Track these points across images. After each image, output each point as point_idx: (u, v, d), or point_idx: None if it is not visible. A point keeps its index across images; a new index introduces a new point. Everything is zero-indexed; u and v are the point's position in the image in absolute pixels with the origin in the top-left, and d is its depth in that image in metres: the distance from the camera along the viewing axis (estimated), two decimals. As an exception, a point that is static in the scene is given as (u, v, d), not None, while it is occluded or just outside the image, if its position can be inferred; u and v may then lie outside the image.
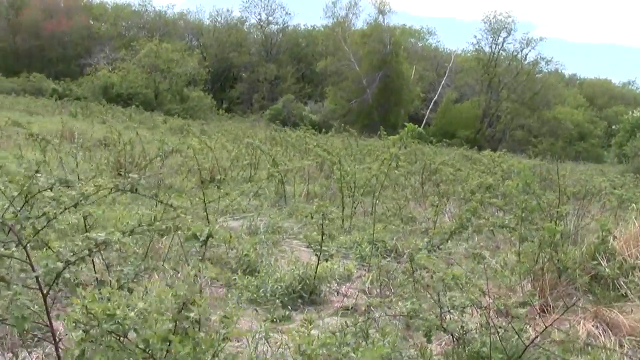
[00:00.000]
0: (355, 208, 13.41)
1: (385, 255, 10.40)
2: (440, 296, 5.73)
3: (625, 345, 7.49)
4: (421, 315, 5.53)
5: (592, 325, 7.85)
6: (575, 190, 12.34)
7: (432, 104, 74.15)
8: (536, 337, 5.76)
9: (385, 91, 67.36)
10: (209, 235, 5.75)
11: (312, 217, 8.29)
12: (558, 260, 8.73)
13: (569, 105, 79.02)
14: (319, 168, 20.00)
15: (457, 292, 6.14)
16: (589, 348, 7.31)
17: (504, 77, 74.34)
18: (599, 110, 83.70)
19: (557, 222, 9.69)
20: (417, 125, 9.97)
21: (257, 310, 7.53)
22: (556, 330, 7.85)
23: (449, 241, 11.20)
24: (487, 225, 9.90)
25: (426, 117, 73.12)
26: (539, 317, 8.36)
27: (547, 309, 8.51)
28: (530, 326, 7.90)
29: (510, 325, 5.86)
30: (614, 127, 70.14)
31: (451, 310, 5.78)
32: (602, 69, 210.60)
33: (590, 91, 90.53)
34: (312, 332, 6.21)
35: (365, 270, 9.80)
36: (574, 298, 9.01)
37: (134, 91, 56.73)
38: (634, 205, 12.18)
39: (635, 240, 9.90)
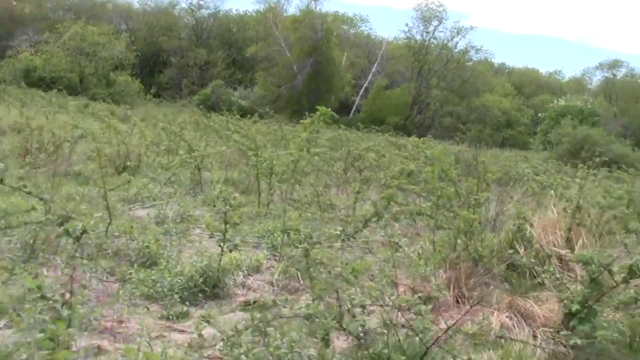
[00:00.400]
0: (271, 195, 13.01)
1: (297, 245, 10.00)
2: (340, 293, 5.34)
3: (539, 337, 7.24)
4: (318, 316, 5.13)
5: (507, 317, 7.59)
6: (497, 176, 12.07)
7: (362, 90, 73.96)
8: (437, 338, 5.39)
9: (315, 77, 66.98)
10: (83, 231, 5.27)
11: (214, 205, 7.85)
12: (474, 249, 8.46)
13: (498, 94, 79.49)
14: (242, 154, 19.56)
15: (358, 288, 5.78)
16: (503, 341, 7.04)
17: (434, 64, 74.50)
18: (527, 98, 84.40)
19: (476, 209, 9.42)
20: (329, 109, 9.57)
21: (147, 308, 7.05)
22: (469, 322, 7.63)
23: (366, 229, 10.91)
24: (403, 213, 9.60)
25: (356, 103, 72.99)
26: (454, 308, 8.09)
27: (462, 300, 8.24)
28: (443, 318, 7.64)
29: (416, 322, 5.50)
30: (539, 115, 70.80)
31: (351, 309, 5.38)
32: (530, 59, 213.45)
33: (518, 80, 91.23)
34: (209, 330, 5.87)
35: (276, 260, 9.43)
36: (491, 288, 8.78)
37: (57, 75, 55.26)
38: (552, 191, 11.99)
39: (553, 228, 9.70)
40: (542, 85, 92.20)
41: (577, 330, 7.04)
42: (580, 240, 9.54)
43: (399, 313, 5.88)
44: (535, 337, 7.28)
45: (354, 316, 5.36)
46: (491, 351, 6.80)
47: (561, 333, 7.09)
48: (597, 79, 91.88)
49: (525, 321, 7.56)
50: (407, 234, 12.16)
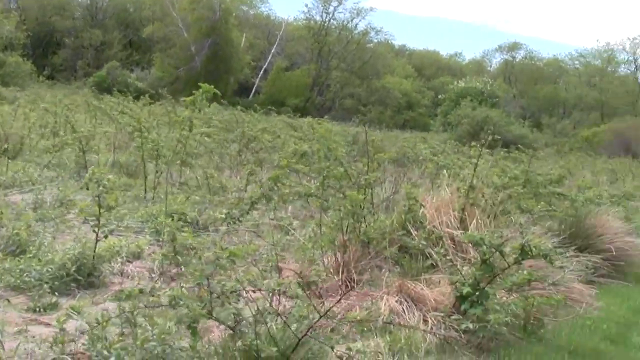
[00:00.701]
0: (158, 178, 12.48)
1: (182, 230, 9.53)
2: (210, 280, 4.91)
3: (430, 322, 6.94)
4: (183, 304, 4.70)
5: (396, 301, 7.27)
6: (388, 156, 11.81)
7: (262, 72, 73.35)
8: (310, 327, 5.01)
9: (214, 59, 66.10)
10: None
11: (87, 188, 7.32)
12: (362, 232, 8.14)
13: (398, 75, 79.87)
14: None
15: (235, 274, 5.37)
16: (392, 327, 6.74)
17: (335, 46, 74.42)
18: (427, 80, 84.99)
19: (366, 190, 9.09)
20: (212, 86, 9.10)
21: (8, 300, 6.50)
22: (357, 307, 7.30)
23: (256, 212, 10.53)
24: (292, 194, 9.25)
25: (256, 85, 72.37)
26: (342, 292, 7.73)
27: (351, 284, 7.90)
28: (329, 304, 7.29)
29: (294, 309, 5.13)
30: (440, 96, 71.39)
31: (221, 296, 4.95)
32: (430, 41, 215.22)
33: (419, 62, 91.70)
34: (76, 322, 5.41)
35: (159, 246, 8.96)
36: (383, 271, 8.47)
37: (-61, 56, 53.14)
38: (445, 171, 11.77)
39: (447, 208, 9.45)
40: (442, 67, 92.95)
41: (469, 314, 6.78)
42: (474, 221, 9.32)
43: (280, 300, 5.52)
44: (426, 321, 6.98)
45: (223, 304, 4.94)
46: (378, 338, 6.49)
47: (452, 317, 6.81)
48: (496, 61, 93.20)
49: (415, 305, 7.26)
50: (299, 217, 11.83)
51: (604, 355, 7.22)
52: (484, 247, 6.73)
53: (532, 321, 7.57)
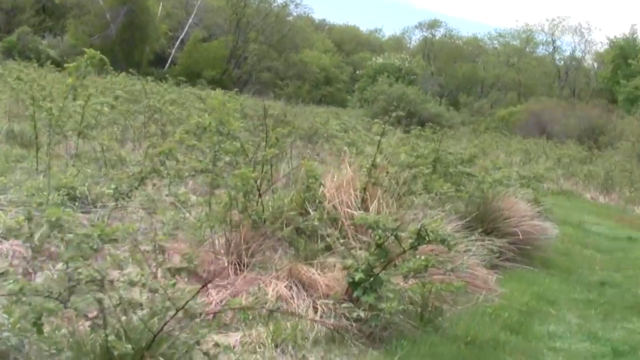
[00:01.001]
0: (52, 149, 11.77)
1: (72, 205, 8.92)
2: (68, 264, 4.38)
3: (320, 309, 6.52)
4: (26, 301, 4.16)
5: (285, 286, 6.81)
6: (288, 130, 11.30)
7: (178, 42, 71.99)
8: (166, 322, 4.50)
9: (129, 27, 64.50)
10: None
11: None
12: (254, 211, 7.65)
13: (317, 50, 79.34)
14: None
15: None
16: (279, 315, 6.29)
17: (253, 18, 73.42)
18: (346, 55, 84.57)
19: (264, 166, 8.62)
20: (98, 52, 8.49)
21: None
22: (244, 293, 6.83)
23: (151, 187, 10.00)
24: (186, 170, 8.70)
25: (172, 56, 71.03)
26: (231, 276, 7.26)
27: (241, 267, 7.42)
28: (215, 289, 6.83)
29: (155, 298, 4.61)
30: (357, 72, 71.15)
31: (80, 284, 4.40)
32: (351, 16, 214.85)
33: (339, 37, 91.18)
34: None
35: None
36: (279, 253, 8.01)
37: None
38: (346, 148, 11.35)
39: (348, 187, 9.02)
40: (362, 43, 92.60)
41: (362, 302, 6.36)
42: (376, 201, 8.90)
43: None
44: (316, 309, 6.54)
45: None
46: (261, 327, 6.03)
47: (344, 305, 6.38)
48: (416, 38, 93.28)
49: (306, 291, 6.83)
50: (201, 193, 11.29)
51: (502, 346, 6.88)
52: (379, 230, 6.32)
53: (429, 309, 7.20)
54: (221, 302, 6.53)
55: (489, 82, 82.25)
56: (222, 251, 7.61)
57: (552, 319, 8.16)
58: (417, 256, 6.62)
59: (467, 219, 10.02)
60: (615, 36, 74.08)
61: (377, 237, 6.39)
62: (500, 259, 10.12)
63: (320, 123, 20.15)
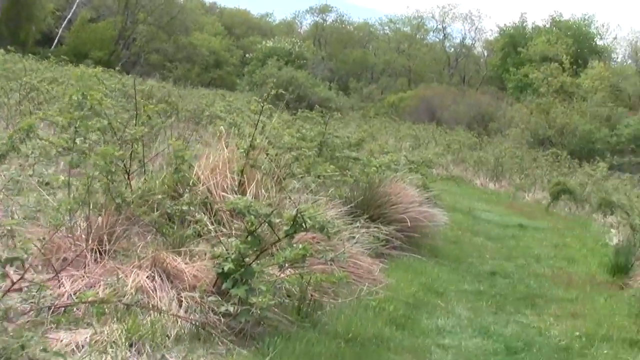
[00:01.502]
0: None
1: None
2: None
3: (184, 303, 5.83)
4: None
5: (148, 277, 6.08)
6: (159, 108, 10.54)
7: (65, 22, 69.81)
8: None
9: (15, 5, 62.11)
10: None
11: None
12: (117, 193, 6.88)
13: (207, 33, 78.14)
14: None
15: None
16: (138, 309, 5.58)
17: (142, -1, 71.77)
18: (237, 39, 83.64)
19: (134, 145, 7.85)
20: None
21: None
22: (102, 284, 6.10)
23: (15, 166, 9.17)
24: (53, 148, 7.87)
25: (59, 35, 68.86)
26: (91, 264, 6.48)
27: (102, 255, 6.64)
28: (70, 280, 6.08)
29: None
30: (247, 55, 70.36)
31: None
32: (242, 0, 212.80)
33: (229, 20, 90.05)
34: None
35: None
36: (148, 239, 7.26)
37: None
38: (222, 127, 10.63)
39: (224, 169, 8.33)
40: (253, 26, 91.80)
41: (232, 295, 5.68)
42: (254, 185, 8.24)
43: None
44: (180, 302, 5.85)
45: None
46: (115, 323, 5.31)
47: (210, 298, 5.70)
48: (307, 23, 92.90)
49: (171, 282, 6.11)
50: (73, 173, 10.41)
51: (387, 343, 6.31)
52: (251, 216, 5.65)
53: (308, 302, 6.57)
54: (75, 294, 5.78)
55: (380, 68, 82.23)
56: (82, 237, 6.82)
57: (441, 312, 7.64)
58: (295, 244, 5.97)
59: (352, 205, 9.44)
60: (505, 24, 75.34)
61: (249, 223, 5.72)
62: (387, 247, 9.58)
63: (206, 104, 19.47)
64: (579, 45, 63.04)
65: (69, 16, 69.85)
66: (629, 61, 65.20)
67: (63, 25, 69.27)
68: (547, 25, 70.20)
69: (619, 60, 68.32)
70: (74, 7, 70.38)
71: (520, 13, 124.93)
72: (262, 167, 8.57)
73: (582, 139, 37.27)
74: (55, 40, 67.25)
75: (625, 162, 28.10)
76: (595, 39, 68.64)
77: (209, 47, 73.20)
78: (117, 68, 26.32)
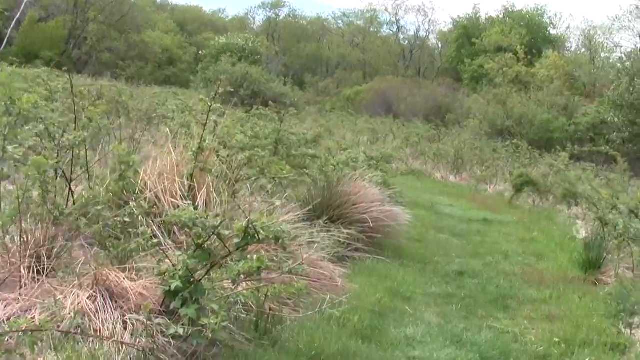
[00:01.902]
0: None
1: None
2: None
3: (129, 327, 5.27)
4: None
5: (89, 297, 5.52)
6: (105, 109, 9.96)
7: (14, 22, 68.55)
8: None
9: (-39, 7, 61.11)
10: None
11: None
12: (53, 204, 6.29)
13: (160, 30, 77.26)
14: None
15: None
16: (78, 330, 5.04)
17: (91, -3, 70.72)
18: (190, 36, 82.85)
19: (74, 151, 7.24)
20: None
21: None
22: (38, 307, 5.52)
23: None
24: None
25: (7, 36, 67.61)
26: (27, 285, 5.90)
27: (40, 273, 6.05)
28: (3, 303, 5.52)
29: None
30: (200, 52, 69.68)
31: None
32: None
33: (181, 17, 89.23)
34: None
35: None
36: (92, 254, 6.68)
37: None
38: (167, 129, 10.06)
39: (173, 173, 7.79)
40: (205, 23, 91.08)
41: (182, 315, 5.14)
42: (205, 189, 7.70)
43: None
44: (125, 325, 5.29)
45: None
46: (52, 354, 4.76)
47: (157, 320, 5.15)
48: (260, 18, 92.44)
49: (115, 302, 5.55)
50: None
51: (352, 359, 5.79)
52: (197, 228, 5.11)
53: (266, 317, 6.05)
54: (8, 319, 5.20)
55: (334, 61, 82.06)
56: (17, 254, 6.22)
57: (409, 320, 7.12)
58: (250, 256, 5.43)
59: (310, 207, 8.93)
60: (458, 16, 75.26)
61: (197, 236, 5.18)
62: (349, 249, 9.13)
63: (157, 103, 18.86)
64: (532, 35, 63.08)
65: (17, 16, 68.60)
66: (583, 50, 65.19)
67: (12, 26, 68.03)
68: (501, 16, 70.15)
69: (572, 49, 68.33)
70: (22, 7, 69.16)
71: (473, 4, 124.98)
72: (213, 170, 8.04)
73: (541, 128, 37.10)
74: (4, 41, 66.08)
75: (586, 151, 27.82)
76: (548, 29, 68.76)
77: (162, 45, 72.37)
78: (64, 68, 25.55)
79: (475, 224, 14.20)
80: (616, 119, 35.63)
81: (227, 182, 8.24)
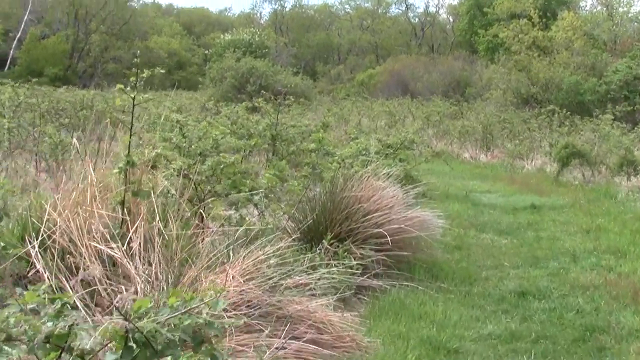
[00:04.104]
0: None
1: None
2: None
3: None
4: None
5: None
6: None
7: (16, 41, 66.86)
8: None
9: (-38, 30, 59.50)
10: None
11: None
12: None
13: (166, 35, 75.84)
14: None
15: None
16: None
17: (92, 8, 68.84)
18: (197, 38, 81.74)
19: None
20: None
21: None
22: None
23: None
24: None
25: (10, 56, 65.95)
26: None
27: None
28: None
29: None
30: (207, 52, 67.69)
31: None
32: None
33: (188, 20, 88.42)
34: None
35: None
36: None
37: None
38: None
39: (92, 204, 5.35)
40: (212, 23, 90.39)
41: None
42: (142, 222, 5.25)
43: None
44: None
45: None
46: None
47: None
48: (266, 12, 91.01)
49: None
50: None
51: None
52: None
53: None
54: None
55: (345, 48, 79.98)
56: None
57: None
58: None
59: (307, 224, 6.47)
60: (467, -14, 72.38)
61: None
62: (366, 275, 6.63)
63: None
64: (545, -2, 60.30)
65: (18, 35, 67.20)
66: (599, 7, 62.24)
67: (14, 46, 66.65)
68: (510, -19, 67.30)
69: (587, 8, 65.32)
70: (22, 26, 67.77)
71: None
72: (158, 190, 5.60)
73: (569, 92, 34.34)
74: (8, 62, 64.72)
75: (624, 111, 25.27)
76: (561, -11, 65.81)
77: (169, 49, 70.69)
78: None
79: (522, 214, 11.56)
80: (650, 72, 32.81)
81: (181, 208, 5.78)
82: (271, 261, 5.32)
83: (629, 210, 11.48)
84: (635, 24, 50.63)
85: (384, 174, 8.16)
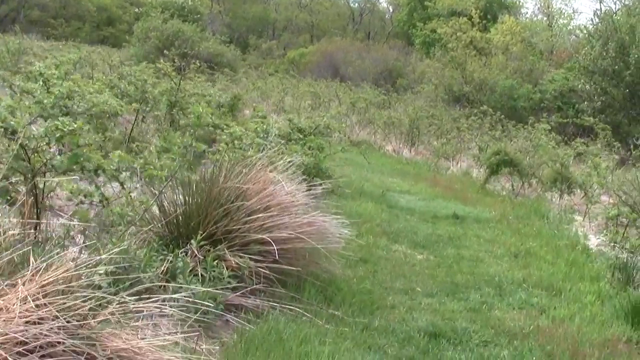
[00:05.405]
0: None
1: None
2: None
3: None
4: None
5: None
6: None
7: None
8: None
9: None
10: None
11: None
12: None
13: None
14: None
15: None
16: None
17: (20, -51, 66.25)
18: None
19: None
20: None
21: None
22: None
23: None
24: None
25: None
26: None
27: None
28: None
29: None
30: (137, 10, 65.72)
31: None
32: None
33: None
34: None
35: None
36: None
37: None
38: None
39: None
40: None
41: None
42: None
43: None
44: None
45: None
46: None
47: None
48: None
49: None
50: None
51: None
52: None
53: None
54: None
55: (281, 24, 78.73)
56: None
57: None
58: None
59: (172, 216, 4.98)
60: (411, -22, 71.74)
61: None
62: (239, 292, 5.14)
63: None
64: (487, 0, 59.92)
65: None
66: (539, 16, 62.17)
67: None
68: (454, -21, 66.80)
69: (528, 15, 65.32)
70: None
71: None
72: None
73: (503, 95, 33.59)
74: None
75: (560, 122, 24.57)
76: (504, -6, 65.68)
77: (99, 4, 68.42)
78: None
79: (443, 224, 10.13)
80: (587, 87, 31.93)
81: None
82: (100, 269, 3.82)
83: (562, 235, 10.09)
84: (574, 37, 50.60)
85: (283, 163, 6.55)
